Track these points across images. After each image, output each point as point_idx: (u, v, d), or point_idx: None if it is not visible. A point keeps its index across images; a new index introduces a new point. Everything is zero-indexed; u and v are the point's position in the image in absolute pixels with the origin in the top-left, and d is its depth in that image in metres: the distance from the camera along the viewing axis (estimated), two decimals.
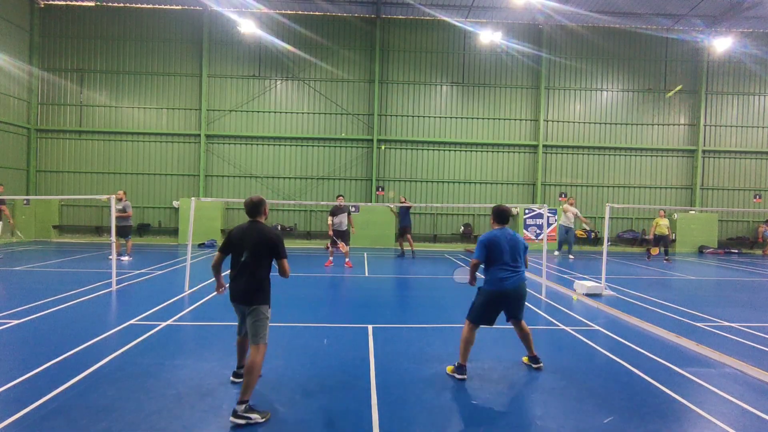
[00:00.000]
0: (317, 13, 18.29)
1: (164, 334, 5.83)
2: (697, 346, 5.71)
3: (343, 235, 11.95)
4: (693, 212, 18.60)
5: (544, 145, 18.72)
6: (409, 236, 14.85)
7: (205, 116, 18.11)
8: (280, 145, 18.44)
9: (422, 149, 18.70)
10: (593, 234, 18.77)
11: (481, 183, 18.81)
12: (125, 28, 18.08)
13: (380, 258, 14.41)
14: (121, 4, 17.91)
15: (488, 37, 17.29)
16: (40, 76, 17.98)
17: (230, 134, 18.31)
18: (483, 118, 18.74)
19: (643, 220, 19.23)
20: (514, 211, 18.39)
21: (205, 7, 17.78)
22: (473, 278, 4.90)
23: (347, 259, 12.28)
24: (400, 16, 18.46)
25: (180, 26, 18.16)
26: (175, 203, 18.12)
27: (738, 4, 16.75)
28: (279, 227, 18.14)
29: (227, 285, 4.16)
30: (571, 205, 15.58)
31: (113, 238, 8.61)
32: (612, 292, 8.97)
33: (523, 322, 4.91)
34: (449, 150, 18.76)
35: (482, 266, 4.80)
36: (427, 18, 18.31)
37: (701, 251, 18.28)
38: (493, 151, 18.83)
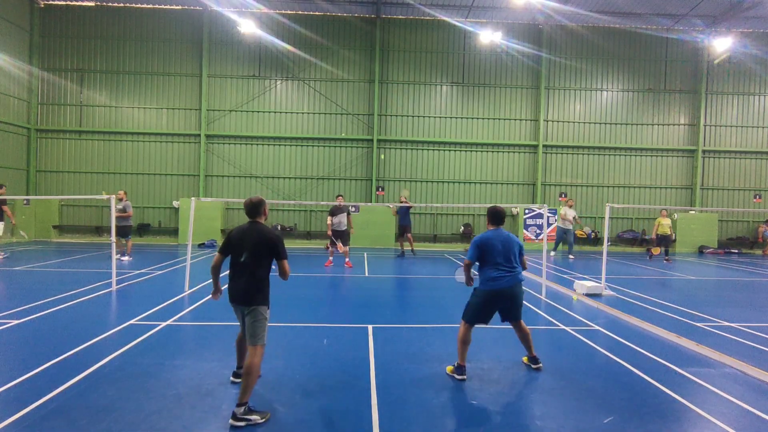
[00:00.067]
0: (317, 13, 18.28)
1: (164, 334, 5.83)
2: (697, 346, 5.71)
3: (342, 235, 11.92)
4: (693, 212, 18.60)
5: (544, 145, 18.72)
6: (409, 236, 14.89)
7: (205, 116, 18.10)
8: (280, 145, 18.43)
9: (422, 149, 18.69)
10: (593, 234, 18.78)
11: (481, 183, 18.80)
12: (125, 28, 18.08)
13: (380, 258, 14.41)
14: (121, 4, 17.90)
15: (488, 37, 17.28)
16: (40, 76, 17.98)
17: (230, 134, 18.31)
18: (483, 118, 18.74)
19: (643, 220, 19.23)
20: (514, 211, 18.40)
21: (205, 7, 17.77)
22: (469, 278, 4.93)
23: (347, 259, 12.28)
24: (400, 16, 18.45)
25: (180, 26, 18.15)
26: (175, 203, 18.12)
27: (738, 4, 16.74)
28: (279, 227, 18.13)
29: (224, 289, 4.14)
30: (570, 207, 15.59)
31: (113, 238, 8.64)
32: (612, 292, 8.97)
33: (523, 323, 4.92)
34: (449, 150, 18.75)
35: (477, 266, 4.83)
36: (427, 18, 18.30)
37: (701, 251, 18.27)
38: (493, 151, 18.83)
